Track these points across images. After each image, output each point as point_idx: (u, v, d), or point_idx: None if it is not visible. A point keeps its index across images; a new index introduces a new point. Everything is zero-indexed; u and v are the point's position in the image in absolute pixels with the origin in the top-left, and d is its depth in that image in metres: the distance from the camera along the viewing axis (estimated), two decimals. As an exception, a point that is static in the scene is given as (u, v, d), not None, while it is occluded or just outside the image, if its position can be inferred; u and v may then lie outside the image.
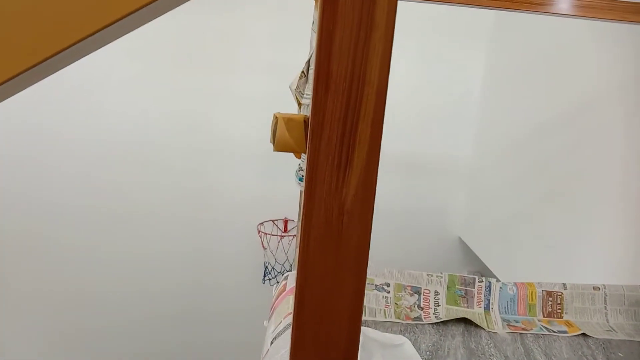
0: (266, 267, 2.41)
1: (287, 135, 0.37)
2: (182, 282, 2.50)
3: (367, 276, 1.28)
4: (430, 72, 2.40)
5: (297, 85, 1.09)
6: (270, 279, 2.39)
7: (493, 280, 1.21)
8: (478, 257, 2.30)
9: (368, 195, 0.34)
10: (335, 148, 0.34)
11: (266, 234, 2.37)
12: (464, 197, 2.51)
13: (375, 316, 1.14)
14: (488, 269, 2.17)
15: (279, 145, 0.39)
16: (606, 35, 1.49)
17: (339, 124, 0.33)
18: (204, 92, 2.34)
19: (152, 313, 2.51)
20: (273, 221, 2.45)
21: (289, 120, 0.38)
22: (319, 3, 0.31)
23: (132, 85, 2.29)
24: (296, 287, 0.37)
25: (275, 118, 0.39)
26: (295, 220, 2.26)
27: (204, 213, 2.45)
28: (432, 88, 2.40)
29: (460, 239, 2.54)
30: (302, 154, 0.39)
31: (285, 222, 2.48)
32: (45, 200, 2.34)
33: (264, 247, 2.38)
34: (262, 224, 2.42)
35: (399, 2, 0.35)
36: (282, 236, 2.41)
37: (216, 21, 2.28)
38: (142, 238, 2.44)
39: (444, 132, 2.45)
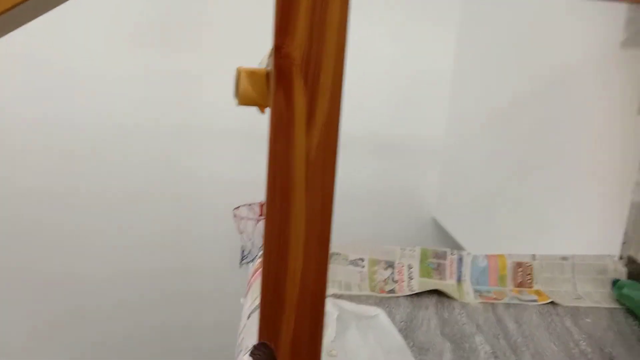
0: (243, 250, 2.41)
1: (250, 89, 0.38)
2: (158, 265, 2.49)
3: (341, 252, 1.29)
4: (399, 50, 2.40)
5: (267, 63, 1.09)
6: (248, 262, 2.39)
7: (464, 253, 1.24)
8: (452, 237, 2.34)
9: (331, 145, 0.35)
10: (297, 98, 0.34)
11: (242, 218, 2.37)
12: (437, 177, 2.54)
13: (351, 290, 1.16)
14: (463, 248, 2.21)
15: (243, 99, 0.39)
16: (581, 5, 1.52)
17: (301, 73, 0.34)
18: (177, 73, 2.31)
19: (129, 295, 2.50)
20: (249, 205, 2.45)
21: (251, 74, 0.38)
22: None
23: (102, 64, 2.25)
24: (264, 242, 0.38)
25: (238, 72, 0.39)
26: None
27: (181, 196, 2.44)
28: (402, 66, 2.41)
29: (434, 219, 2.57)
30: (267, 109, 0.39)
31: (261, 205, 2.48)
32: (22, 183, 2.30)
33: (240, 231, 2.38)
34: (237, 208, 2.41)
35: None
36: (258, 220, 2.41)
37: None
38: (116, 221, 2.42)
39: (415, 111, 2.46)
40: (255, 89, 0.37)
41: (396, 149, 2.49)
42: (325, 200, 0.36)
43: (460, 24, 2.38)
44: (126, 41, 2.24)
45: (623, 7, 1.34)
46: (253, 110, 0.42)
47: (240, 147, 2.38)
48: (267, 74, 0.38)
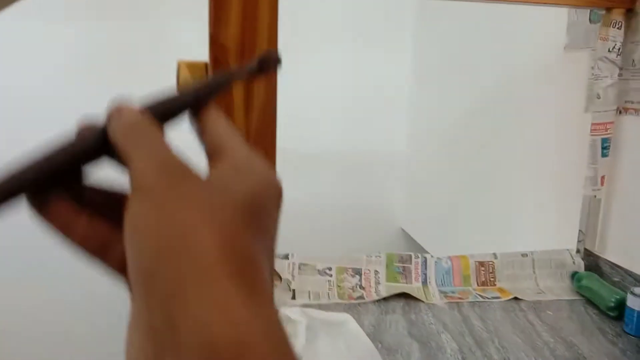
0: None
1: (190, 80, 0.39)
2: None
3: (309, 262, 1.30)
4: (358, 69, 2.46)
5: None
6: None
7: (428, 256, 1.26)
8: (421, 246, 2.37)
9: (269, 127, 0.37)
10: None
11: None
12: (403, 189, 2.58)
13: (320, 299, 1.17)
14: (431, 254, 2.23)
15: (183, 89, 0.40)
16: (525, 15, 1.58)
17: (236, 61, 0.36)
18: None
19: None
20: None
21: (191, 65, 0.40)
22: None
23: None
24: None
25: (178, 65, 0.41)
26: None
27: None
28: (361, 84, 2.46)
29: (402, 230, 2.60)
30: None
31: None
32: None
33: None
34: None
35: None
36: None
37: None
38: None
39: (377, 127, 2.51)
40: (195, 79, 0.39)
41: (362, 166, 2.53)
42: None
43: (413, 40, 2.46)
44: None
45: (564, 14, 1.41)
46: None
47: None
48: (206, 65, 0.40)
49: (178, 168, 0.23)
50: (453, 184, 2.08)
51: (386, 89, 2.49)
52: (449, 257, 1.26)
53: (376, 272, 1.23)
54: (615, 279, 1.19)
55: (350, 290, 1.19)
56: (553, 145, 1.47)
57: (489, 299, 1.18)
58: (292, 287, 1.18)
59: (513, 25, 1.65)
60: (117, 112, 0.25)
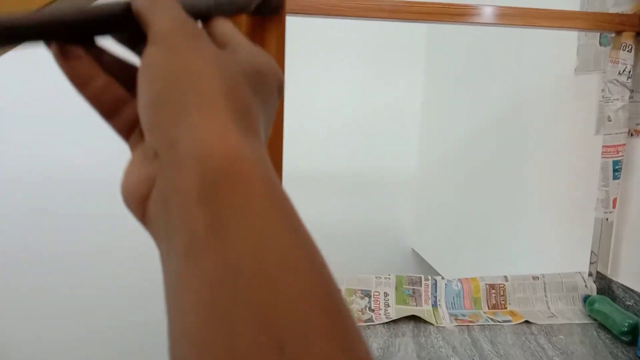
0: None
1: None
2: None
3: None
4: (368, 88, 2.47)
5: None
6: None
7: (438, 278, 1.25)
8: (431, 266, 2.36)
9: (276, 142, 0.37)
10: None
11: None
12: (413, 209, 2.57)
13: (328, 321, 1.16)
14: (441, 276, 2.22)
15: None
16: (534, 38, 1.59)
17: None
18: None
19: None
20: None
21: None
22: None
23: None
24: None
25: None
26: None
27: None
28: (372, 104, 2.48)
29: (413, 250, 2.59)
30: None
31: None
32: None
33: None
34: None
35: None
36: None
37: None
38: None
39: (387, 147, 2.52)
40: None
41: (372, 185, 2.53)
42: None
43: (425, 61, 2.47)
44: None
45: (574, 37, 1.41)
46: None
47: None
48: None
49: (195, 29, 0.26)
50: (464, 205, 2.08)
51: (397, 110, 2.50)
52: (459, 280, 1.25)
53: (385, 294, 1.22)
54: (629, 303, 1.17)
55: (359, 313, 1.19)
56: (564, 167, 1.46)
57: (499, 322, 1.17)
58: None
59: (523, 47, 1.66)
60: None
